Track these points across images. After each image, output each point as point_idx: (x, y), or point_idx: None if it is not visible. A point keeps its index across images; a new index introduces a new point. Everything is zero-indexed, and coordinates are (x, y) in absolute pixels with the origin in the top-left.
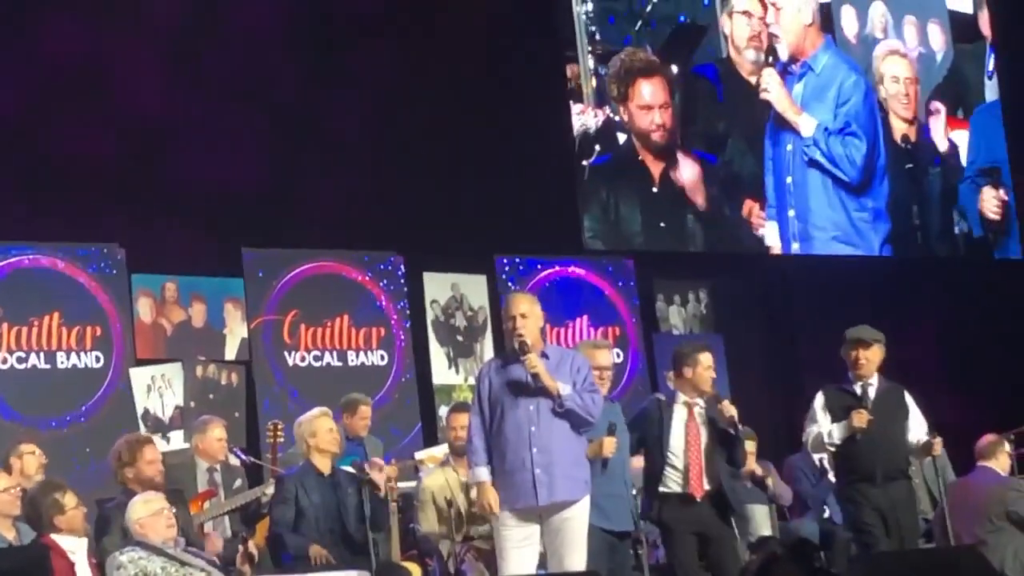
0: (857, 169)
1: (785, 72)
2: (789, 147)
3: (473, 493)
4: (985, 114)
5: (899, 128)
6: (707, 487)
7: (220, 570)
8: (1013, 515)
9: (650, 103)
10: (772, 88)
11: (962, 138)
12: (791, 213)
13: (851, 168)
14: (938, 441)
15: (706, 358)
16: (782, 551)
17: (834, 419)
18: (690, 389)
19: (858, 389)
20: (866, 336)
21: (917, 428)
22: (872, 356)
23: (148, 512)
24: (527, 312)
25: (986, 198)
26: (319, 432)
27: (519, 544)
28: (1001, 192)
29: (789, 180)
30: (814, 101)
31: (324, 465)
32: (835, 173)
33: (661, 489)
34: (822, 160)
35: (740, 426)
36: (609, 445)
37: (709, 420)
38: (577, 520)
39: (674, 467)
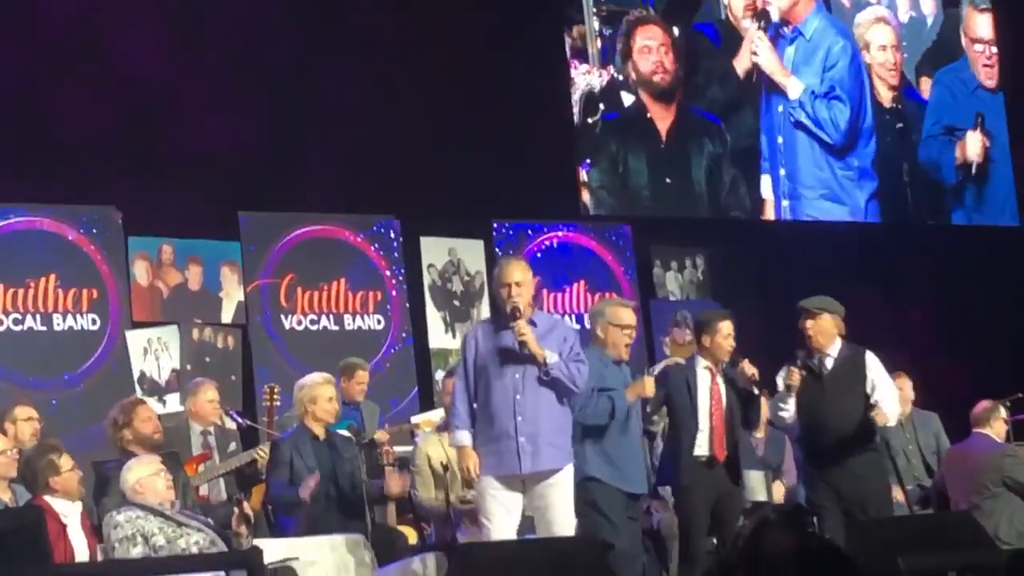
0: (841, 133)
1: (777, 36)
2: (780, 108)
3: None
4: (951, 74)
5: (885, 93)
6: (727, 450)
7: (216, 532)
8: (1009, 481)
9: (649, 44)
10: (761, 51)
11: None
12: (782, 172)
13: (835, 131)
14: (880, 411)
15: (725, 326)
16: (774, 517)
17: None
18: (709, 357)
19: (816, 362)
20: (810, 306)
21: (880, 393)
22: (820, 326)
23: (147, 472)
24: (521, 280)
25: (971, 141)
26: (319, 400)
27: (506, 508)
28: (985, 138)
29: (780, 140)
30: (803, 65)
31: (319, 430)
32: (819, 135)
33: (695, 453)
34: (807, 122)
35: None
36: (650, 384)
37: (728, 381)
38: (562, 486)
39: (700, 431)
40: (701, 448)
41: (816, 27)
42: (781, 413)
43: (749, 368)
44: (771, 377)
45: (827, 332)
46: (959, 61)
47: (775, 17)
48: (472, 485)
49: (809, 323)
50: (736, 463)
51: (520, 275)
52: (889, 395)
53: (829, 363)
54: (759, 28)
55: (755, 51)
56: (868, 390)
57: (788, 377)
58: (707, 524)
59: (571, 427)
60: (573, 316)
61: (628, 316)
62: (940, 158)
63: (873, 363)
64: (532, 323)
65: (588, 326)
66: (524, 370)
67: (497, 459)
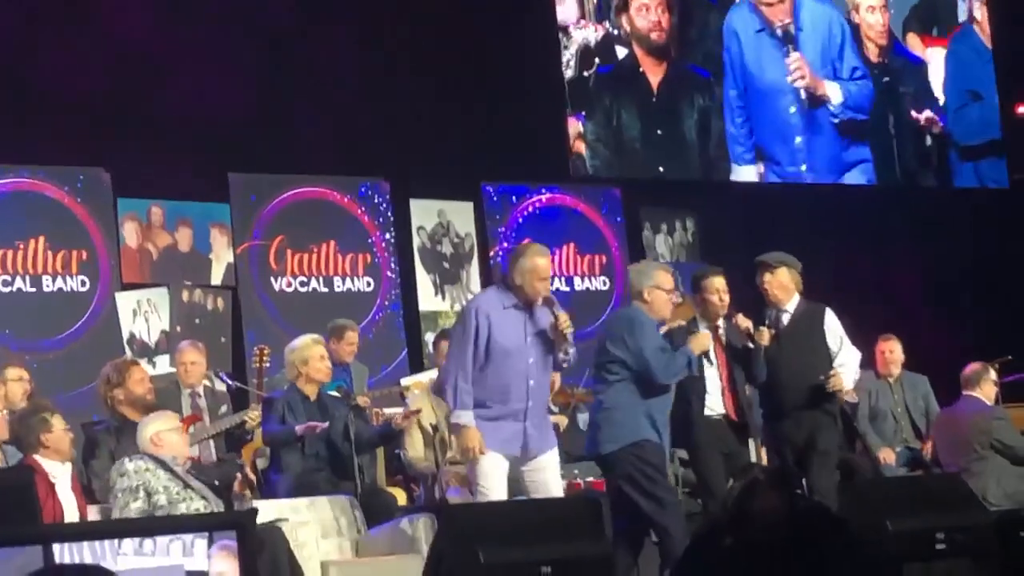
0: (870, 102)
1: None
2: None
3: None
4: (959, 42)
5: (872, 49)
6: (736, 409)
7: (218, 495)
8: (997, 444)
9: (647, 2)
10: (806, 74)
11: (936, 55)
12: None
13: (868, 106)
14: (836, 377)
15: (713, 283)
16: (763, 477)
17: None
18: (705, 315)
19: (773, 317)
20: (768, 260)
21: (843, 356)
22: (777, 280)
23: (167, 427)
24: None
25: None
26: (311, 360)
27: (502, 477)
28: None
29: (798, 140)
30: (815, 58)
31: (311, 391)
32: (857, 118)
33: (706, 412)
34: (852, 114)
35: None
36: (707, 338)
37: (727, 339)
38: (553, 460)
39: (708, 392)
40: (712, 408)
41: (807, 13)
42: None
43: (743, 321)
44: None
45: (784, 287)
46: (965, 28)
47: (778, 29)
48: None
49: (767, 277)
50: (745, 425)
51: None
52: (850, 359)
53: (785, 319)
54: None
55: (801, 75)
56: (834, 349)
57: (758, 336)
58: (723, 475)
59: None
60: (563, 279)
61: (671, 281)
62: (982, 118)
63: (832, 322)
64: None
65: (630, 286)
66: (538, 356)
67: (499, 439)
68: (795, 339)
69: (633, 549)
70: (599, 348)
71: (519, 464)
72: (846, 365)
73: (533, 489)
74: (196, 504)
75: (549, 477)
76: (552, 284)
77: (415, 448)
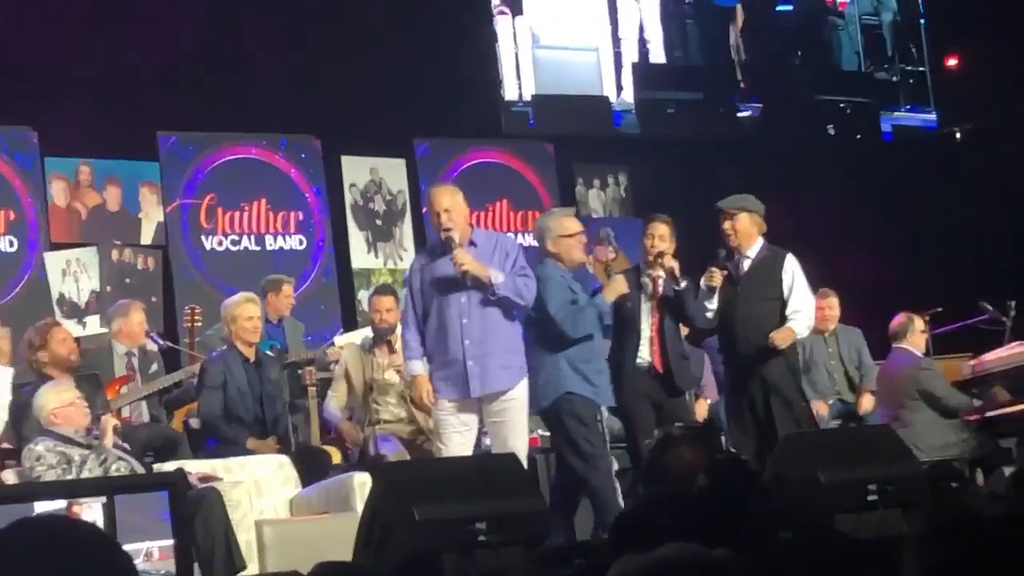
0: None
1: None
2: None
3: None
4: None
5: None
6: (665, 360)
7: (134, 457)
8: (925, 393)
9: None
10: None
11: None
12: None
13: None
14: (780, 334)
15: (651, 227)
16: (679, 433)
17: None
18: (644, 263)
19: (734, 263)
20: (725, 206)
21: (795, 302)
22: (738, 226)
23: (61, 403)
24: (450, 206)
25: None
26: (238, 319)
27: (459, 429)
28: None
29: None
30: None
31: (248, 351)
32: None
33: (638, 362)
34: None
35: (682, 280)
36: (623, 281)
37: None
38: (517, 401)
39: (642, 341)
40: (642, 358)
41: None
42: (707, 314)
43: (668, 262)
44: (698, 283)
45: (745, 232)
46: None
47: None
48: (430, 412)
49: (727, 224)
50: (671, 375)
51: (448, 201)
52: (803, 305)
53: (746, 264)
54: None
55: None
56: (785, 295)
57: (708, 278)
58: (653, 424)
59: (523, 344)
60: None
61: (574, 224)
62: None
63: (791, 266)
64: (472, 243)
65: (536, 243)
66: (469, 294)
67: (448, 384)
68: (751, 285)
69: (567, 507)
70: None
71: (479, 405)
72: (800, 311)
73: (490, 436)
74: (116, 464)
75: (508, 429)
76: None
77: (338, 397)
